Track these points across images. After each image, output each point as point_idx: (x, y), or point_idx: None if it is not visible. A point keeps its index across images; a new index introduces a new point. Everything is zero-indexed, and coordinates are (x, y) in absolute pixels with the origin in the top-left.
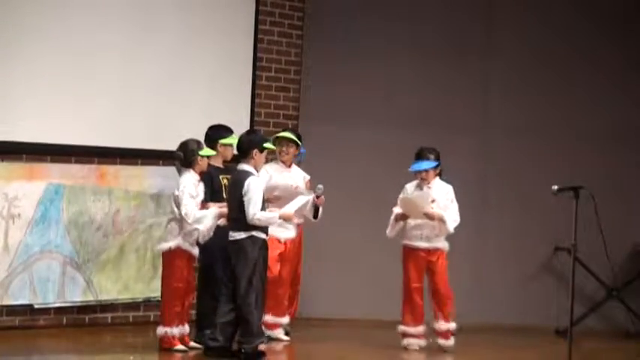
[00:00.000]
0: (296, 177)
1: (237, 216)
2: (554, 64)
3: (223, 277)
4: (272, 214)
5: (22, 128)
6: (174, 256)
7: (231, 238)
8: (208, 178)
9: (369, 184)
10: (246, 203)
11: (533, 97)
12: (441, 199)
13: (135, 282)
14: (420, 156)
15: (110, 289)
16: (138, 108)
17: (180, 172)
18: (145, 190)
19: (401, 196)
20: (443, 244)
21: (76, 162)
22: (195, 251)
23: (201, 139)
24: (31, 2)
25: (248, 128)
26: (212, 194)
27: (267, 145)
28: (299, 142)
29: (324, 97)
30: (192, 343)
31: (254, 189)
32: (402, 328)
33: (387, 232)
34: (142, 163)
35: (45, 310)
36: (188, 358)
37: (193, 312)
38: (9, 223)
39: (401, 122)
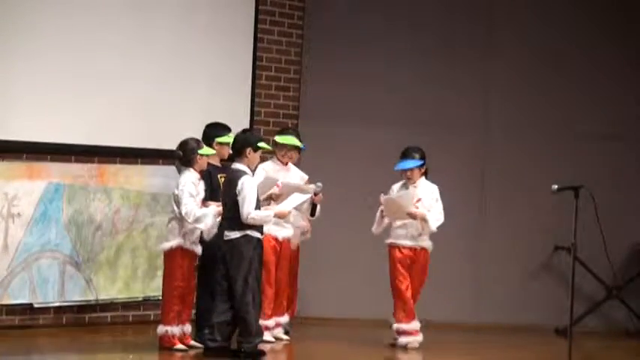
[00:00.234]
0: (294, 176)
1: (231, 215)
2: (555, 63)
3: (218, 277)
4: (267, 212)
5: (22, 127)
6: (175, 256)
7: (225, 238)
8: (207, 177)
9: (368, 183)
10: (240, 202)
11: (533, 96)
12: (427, 199)
13: (134, 281)
14: (405, 155)
15: (110, 288)
16: (138, 107)
17: (180, 171)
18: (145, 190)
19: (384, 196)
20: (427, 244)
21: (76, 161)
22: (198, 249)
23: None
24: (31, 0)
25: (248, 127)
26: (211, 193)
27: (262, 144)
28: (301, 146)
29: (324, 97)
30: (192, 342)
31: (248, 188)
32: (396, 326)
33: (373, 229)
34: (142, 163)
35: (45, 310)
36: (188, 357)
37: (193, 311)
38: (9, 222)
39: (401, 122)
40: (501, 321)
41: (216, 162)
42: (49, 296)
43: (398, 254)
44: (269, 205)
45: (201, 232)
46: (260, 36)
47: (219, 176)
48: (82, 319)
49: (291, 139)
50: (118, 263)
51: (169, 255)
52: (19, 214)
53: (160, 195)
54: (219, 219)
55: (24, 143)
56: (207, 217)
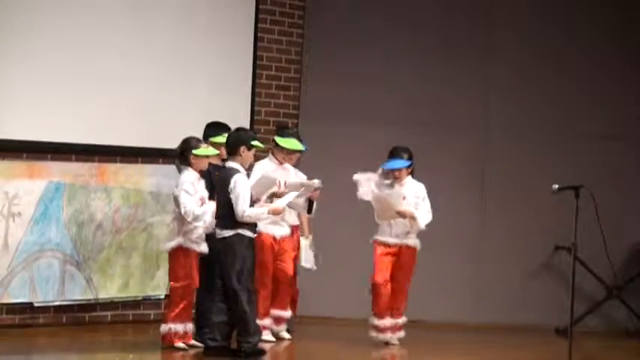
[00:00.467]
0: (292, 175)
1: (224, 213)
2: (555, 63)
3: (215, 276)
4: (261, 209)
5: (22, 126)
6: (177, 255)
7: (218, 236)
8: (207, 176)
9: None
10: (234, 200)
11: (533, 96)
12: (411, 197)
13: (134, 280)
14: (393, 154)
15: (110, 287)
16: (138, 106)
17: (180, 171)
18: (145, 189)
19: (375, 192)
20: (414, 242)
21: (77, 160)
22: (202, 248)
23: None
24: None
25: (248, 127)
26: (210, 191)
27: (255, 142)
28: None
29: (324, 96)
30: (193, 342)
31: (241, 186)
32: (373, 321)
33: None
34: (142, 162)
35: (45, 309)
36: (188, 357)
37: (193, 310)
38: (9, 221)
39: (401, 122)
40: (501, 321)
41: (216, 161)
42: (49, 295)
43: (381, 251)
44: (272, 203)
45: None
46: (260, 35)
47: (216, 175)
48: (82, 318)
49: (293, 144)
50: (118, 262)
51: (172, 255)
52: (19, 213)
53: (160, 194)
54: None
55: (24, 142)
56: (207, 215)
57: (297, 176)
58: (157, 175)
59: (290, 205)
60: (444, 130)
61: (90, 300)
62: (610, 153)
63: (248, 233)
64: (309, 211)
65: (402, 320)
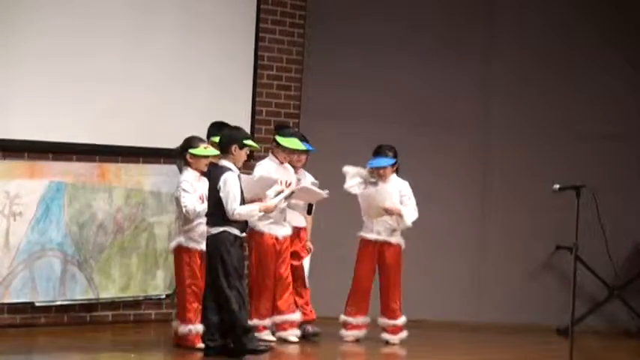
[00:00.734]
0: (291, 174)
1: (212, 211)
2: (554, 64)
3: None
4: (252, 207)
5: (23, 126)
6: (180, 255)
7: (207, 234)
8: (208, 175)
9: None
10: (223, 199)
11: (533, 97)
12: (395, 194)
13: (136, 280)
14: (378, 153)
15: (111, 287)
16: (139, 106)
17: (180, 170)
18: (146, 189)
19: (364, 190)
20: (399, 240)
21: (78, 160)
22: (203, 246)
23: (203, 136)
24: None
25: (249, 126)
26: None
27: (248, 141)
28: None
29: (325, 96)
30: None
31: (230, 184)
32: (343, 317)
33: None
34: (144, 162)
35: (46, 308)
36: (188, 357)
37: None
38: (10, 221)
39: (401, 121)
40: (502, 321)
41: (216, 160)
42: (51, 295)
43: (366, 248)
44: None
45: None
46: (261, 35)
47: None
48: (83, 317)
49: (294, 143)
50: (120, 262)
51: (175, 254)
52: (20, 213)
53: (162, 194)
54: None
55: (25, 142)
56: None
57: (304, 179)
58: (158, 175)
59: (290, 206)
60: (445, 130)
61: (91, 300)
62: (610, 153)
63: (234, 231)
64: (309, 211)
65: (400, 321)
